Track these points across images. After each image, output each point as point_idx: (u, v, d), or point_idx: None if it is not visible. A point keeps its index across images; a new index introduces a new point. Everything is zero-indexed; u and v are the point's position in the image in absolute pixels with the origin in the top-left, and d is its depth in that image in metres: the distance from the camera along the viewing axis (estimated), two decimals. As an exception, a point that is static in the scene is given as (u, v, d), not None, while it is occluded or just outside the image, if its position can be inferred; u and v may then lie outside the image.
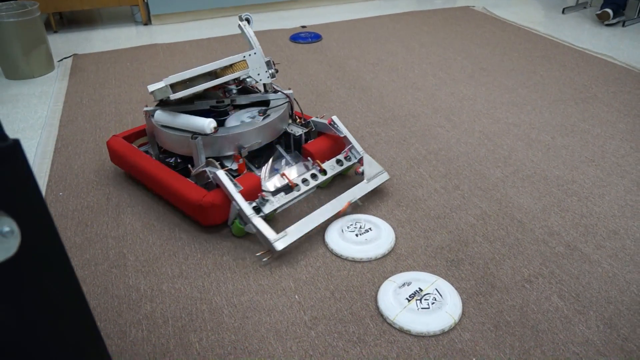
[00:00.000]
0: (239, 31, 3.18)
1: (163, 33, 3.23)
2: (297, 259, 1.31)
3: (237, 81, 1.61)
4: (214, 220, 1.37)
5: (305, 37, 3.00)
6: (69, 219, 1.48)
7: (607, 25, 3.14)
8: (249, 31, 1.59)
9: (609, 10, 3.08)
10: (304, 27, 3.26)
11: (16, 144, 0.41)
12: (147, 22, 3.43)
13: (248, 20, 1.61)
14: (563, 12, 3.43)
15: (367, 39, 2.98)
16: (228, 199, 1.35)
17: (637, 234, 1.38)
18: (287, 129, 1.61)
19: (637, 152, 1.76)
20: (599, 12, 3.18)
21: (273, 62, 1.58)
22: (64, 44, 3.06)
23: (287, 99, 1.62)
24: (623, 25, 3.12)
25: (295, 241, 1.32)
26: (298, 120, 1.66)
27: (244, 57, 1.52)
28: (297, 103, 1.76)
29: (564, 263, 1.28)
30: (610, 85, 2.29)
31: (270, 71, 1.57)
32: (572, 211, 1.47)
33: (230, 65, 1.51)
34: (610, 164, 1.70)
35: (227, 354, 1.06)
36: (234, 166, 1.46)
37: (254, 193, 1.38)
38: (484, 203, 1.51)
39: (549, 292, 1.19)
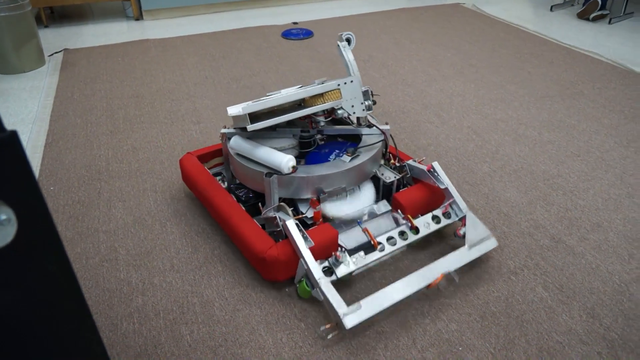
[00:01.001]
0: (230, 27, 3.17)
1: (155, 28, 3.21)
2: (288, 252, 1.31)
3: (327, 112, 1.38)
4: (277, 277, 1.17)
5: (296, 33, 3.00)
6: (60, 213, 1.47)
7: (593, 19, 3.17)
8: (349, 55, 1.39)
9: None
10: (295, 23, 3.25)
11: (14, 134, 0.42)
12: (139, 17, 3.41)
13: (349, 41, 1.41)
14: (551, 9, 3.46)
15: (358, 35, 2.99)
16: (297, 253, 1.14)
17: (620, 227, 1.40)
18: (377, 173, 1.36)
19: (621, 147, 1.79)
20: (582, 9, 3.20)
21: (372, 92, 1.38)
22: (55, 39, 3.03)
23: (383, 137, 1.38)
24: (609, 23, 3.15)
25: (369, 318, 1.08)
26: (392, 161, 1.42)
27: (339, 85, 1.31)
28: (393, 140, 1.49)
29: (548, 255, 1.30)
30: (596, 82, 2.31)
31: (367, 103, 1.36)
32: (557, 205, 1.49)
33: (322, 94, 1.30)
34: (595, 158, 1.72)
35: (217, 345, 1.07)
36: (310, 213, 1.25)
37: (328, 249, 1.16)
38: (471, 197, 1.53)
39: (533, 284, 1.21)
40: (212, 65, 2.55)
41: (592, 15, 3.17)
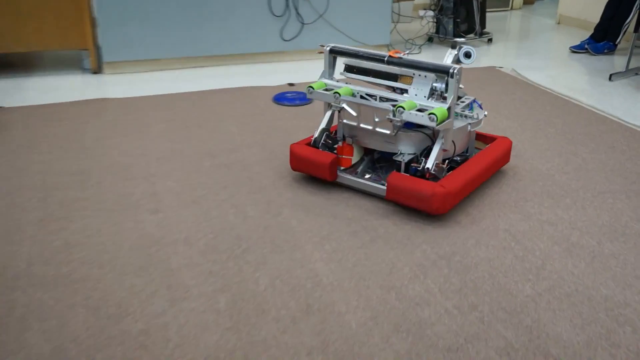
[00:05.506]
0: (211, 86, 3.27)
1: (116, 85, 3.31)
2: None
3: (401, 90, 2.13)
4: None
5: (291, 98, 3.09)
6: (-44, 335, 1.41)
7: None
8: (447, 58, 2.05)
9: None
10: (291, 84, 3.36)
11: None
12: (97, 70, 3.54)
13: (469, 55, 2.04)
14: (610, 78, 3.57)
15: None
16: None
17: None
18: None
19: None
20: None
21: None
22: (-10, 94, 3.12)
23: None
24: (683, 98, 3.23)
25: None
26: None
27: (413, 74, 2.02)
28: None
29: None
30: (670, 175, 2.32)
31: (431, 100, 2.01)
32: (625, 347, 1.42)
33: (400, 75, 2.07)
34: (673, 281, 1.67)
35: None
36: None
37: None
38: (509, 331, 1.46)
39: None
40: (182, 136, 2.59)
41: None
